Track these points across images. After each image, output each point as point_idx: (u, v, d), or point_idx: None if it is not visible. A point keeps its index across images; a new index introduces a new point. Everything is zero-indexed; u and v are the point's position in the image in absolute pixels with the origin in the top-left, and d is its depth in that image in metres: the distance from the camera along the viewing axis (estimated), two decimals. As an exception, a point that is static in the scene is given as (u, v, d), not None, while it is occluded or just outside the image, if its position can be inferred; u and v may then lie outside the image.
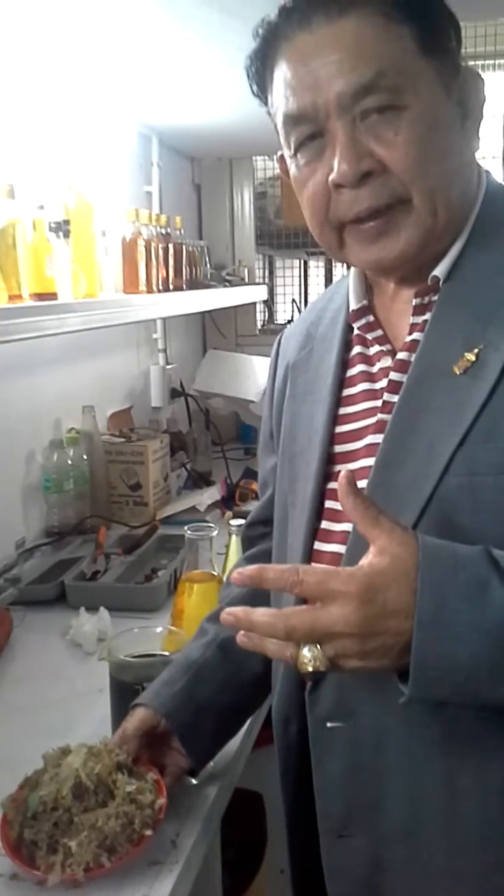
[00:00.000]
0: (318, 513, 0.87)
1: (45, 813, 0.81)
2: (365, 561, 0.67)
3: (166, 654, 1.07)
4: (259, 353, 2.51)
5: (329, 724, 0.79)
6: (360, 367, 0.87)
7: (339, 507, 0.83)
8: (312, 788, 0.84)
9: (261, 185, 3.14)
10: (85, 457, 1.88)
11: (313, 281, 4.23)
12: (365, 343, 0.87)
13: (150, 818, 0.83)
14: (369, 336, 0.86)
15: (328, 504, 0.86)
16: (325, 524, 0.86)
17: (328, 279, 3.54)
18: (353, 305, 0.88)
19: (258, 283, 2.90)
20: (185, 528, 1.23)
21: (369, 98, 0.74)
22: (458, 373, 0.76)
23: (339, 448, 0.87)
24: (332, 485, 0.86)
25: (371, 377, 0.86)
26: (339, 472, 0.83)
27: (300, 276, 4.09)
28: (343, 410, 0.87)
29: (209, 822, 0.93)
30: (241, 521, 1.38)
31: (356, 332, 0.88)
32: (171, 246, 2.09)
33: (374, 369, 0.86)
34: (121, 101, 2.04)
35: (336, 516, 0.85)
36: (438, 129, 0.76)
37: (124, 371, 2.31)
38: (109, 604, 1.42)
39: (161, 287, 2.01)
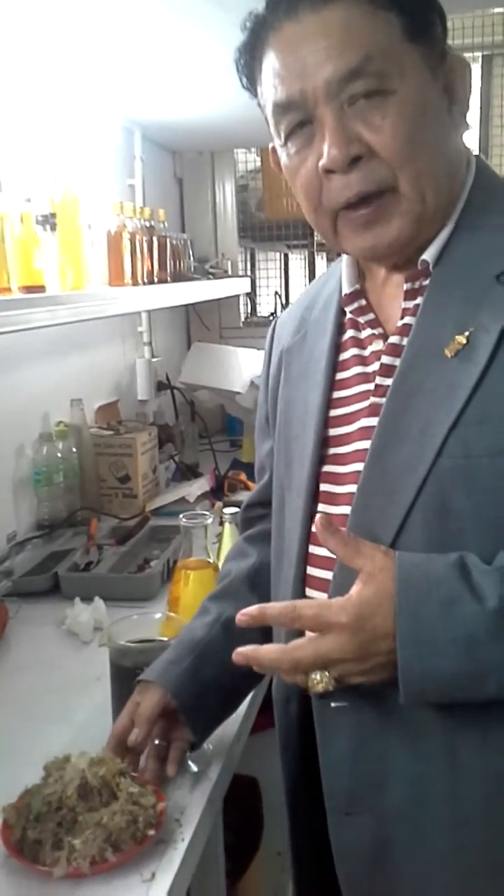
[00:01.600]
0: (315, 496, 0.88)
1: (49, 813, 0.82)
2: (354, 590, 0.74)
3: (164, 639, 1.08)
4: (243, 345, 2.53)
5: (333, 704, 0.81)
6: (352, 351, 0.89)
7: (335, 490, 0.86)
8: (313, 768, 0.85)
9: (242, 178, 3.15)
10: (74, 450, 1.88)
11: (295, 273, 4.24)
12: (357, 327, 0.89)
13: (152, 818, 0.84)
14: (361, 319, 0.88)
15: (323, 487, 0.88)
16: (321, 507, 0.87)
17: (310, 272, 3.55)
18: (346, 289, 0.89)
19: (241, 276, 2.91)
20: (181, 516, 1.24)
21: (357, 83, 0.75)
22: (449, 356, 0.77)
23: (332, 431, 0.88)
24: (326, 468, 0.87)
25: (363, 360, 0.87)
26: (333, 454, 0.87)
27: (281, 269, 4.11)
28: (336, 394, 0.88)
29: (212, 803, 0.95)
30: (235, 510, 1.40)
31: (349, 315, 0.89)
32: (155, 239, 2.10)
33: (367, 353, 0.87)
34: (104, 95, 2.04)
35: (332, 499, 0.86)
36: (425, 114, 0.78)
37: (111, 364, 2.32)
38: (104, 594, 1.43)
39: (146, 280, 2.01)
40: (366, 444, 0.83)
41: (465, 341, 0.77)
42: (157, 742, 0.95)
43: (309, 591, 0.87)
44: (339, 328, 0.90)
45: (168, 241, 2.21)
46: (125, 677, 1.04)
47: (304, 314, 0.97)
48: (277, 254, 4.08)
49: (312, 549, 0.87)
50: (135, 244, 1.96)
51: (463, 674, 0.71)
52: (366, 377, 0.86)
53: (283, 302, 3.40)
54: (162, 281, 2.14)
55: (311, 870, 0.95)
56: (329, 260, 4.94)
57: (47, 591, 1.50)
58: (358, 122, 0.76)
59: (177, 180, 2.90)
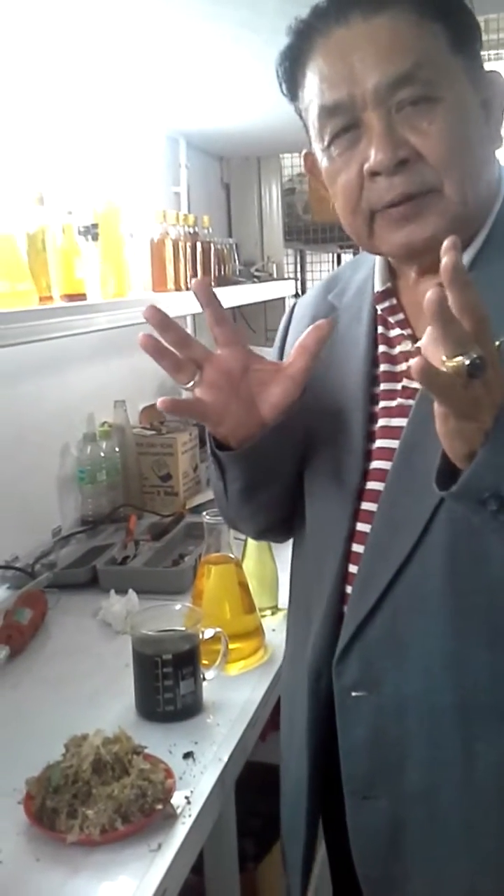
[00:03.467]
0: (364, 474, 0.87)
1: (66, 785, 0.89)
2: None
3: (184, 629, 1.15)
4: (288, 347, 2.57)
5: (354, 694, 0.85)
6: (381, 348, 0.90)
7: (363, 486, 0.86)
8: (333, 750, 0.89)
9: (289, 182, 3.20)
10: (117, 449, 1.96)
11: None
12: (386, 324, 0.90)
13: (161, 794, 0.91)
14: (391, 319, 0.89)
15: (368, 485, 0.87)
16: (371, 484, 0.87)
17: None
18: (378, 287, 0.91)
19: (287, 279, 2.96)
20: (204, 514, 1.30)
21: (405, 90, 0.78)
22: None
23: (372, 427, 0.88)
24: (374, 464, 0.87)
25: (392, 359, 0.89)
26: (380, 430, 0.86)
27: (332, 270, 4.13)
28: (374, 389, 0.89)
29: (222, 784, 1.01)
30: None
31: (379, 311, 0.91)
32: (198, 244, 2.17)
33: (395, 352, 0.89)
34: (148, 107, 2.12)
35: (378, 475, 0.86)
36: (469, 122, 0.80)
37: (155, 367, 2.35)
38: (138, 586, 1.50)
39: (189, 285, 2.08)
40: (389, 442, 0.85)
41: None
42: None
43: (347, 589, 0.88)
44: (376, 320, 0.91)
45: (212, 246, 2.28)
46: (146, 663, 1.11)
47: (334, 300, 0.98)
48: (328, 255, 4.11)
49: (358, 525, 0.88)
50: (177, 250, 2.03)
51: None
52: (393, 376, 0.88)
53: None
54: (205, 285, 2.20)
55: (332, 849, 1.00)
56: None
57: (86, 583, 1.58)
58: (405, 127, 0.78)
59: (223, 186, 2.98)
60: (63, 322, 1.45)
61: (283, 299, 3.00)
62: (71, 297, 1.57)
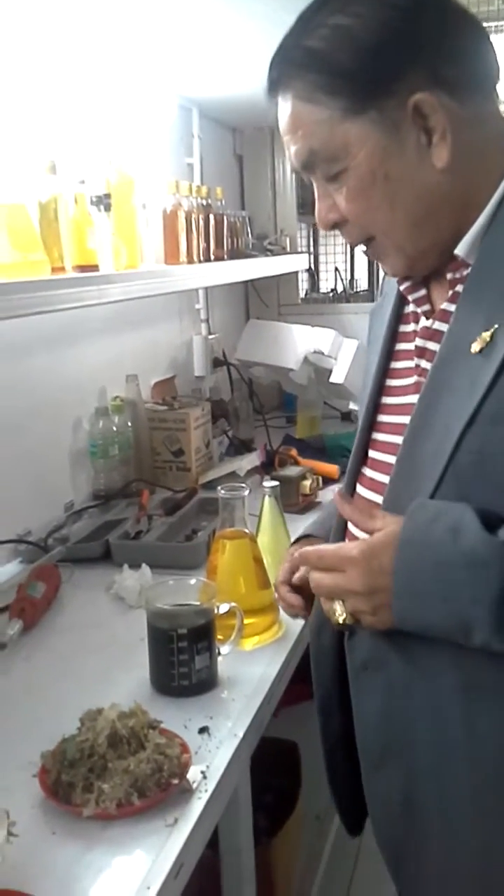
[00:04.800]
0: (363, 460, 0.95)
1: (81, 759, 0.88)
2: (368, 537, 0.82)
3: (199, 603, 1.14)
4: (302, 322, 2.55)
5: (365, 672, 0.87)
6: (412, 326, 0.92)
7: (379, 457, 0.92)
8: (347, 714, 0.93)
9: (303, 154, 3.15)
10: (129, 423, 1.95)
11: (360, 249, 4.21)
12: (414, 302, 0.92)
13: (177, 768, 0.90)
14: (410, 297, 0.91)
15: (371, 454, 0.93)
16: (366, 471, 0.94)
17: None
18: None
19: (300, 252, 2.92)
20: (219, 488, 1.29)
21: (315, 171, 0.85)
22: (474, 352, 0.78)
23: (385, 400, 0.93)
24: (375, 435, 0.93)
25: (406, 337, 0.92)
26: (380, 422, 0.93)
27: (344, 244, 4.08)
28: (393, 364, 0.93)
29: (238, 759, 1.00)
30: (274, 483, 1.44)
31: (401, 290, 0.93)
32: (211, 217, 2.13)
33: (409, 329, 0.92)
34: (160, 74, 2.08)
35: (376, 465, 0.92)
36: (384, 178, 0.81)
37: (167, 341, 2.38)
38: (151, 561, 1.49)
39: (202, 258, 2.05)
40: (405, 419, 0.86)
41: (489, 338, 0.78)
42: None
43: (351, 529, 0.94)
44: (403, 298, 0.94)
45: (225, 218, 2.24)
46: (161, 638, 1.10)
47: (389, 280, 1.01)
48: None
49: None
50: (190, 222, 1.99)
51: (453, 627, 0.76)
52: (408, 354, 0.91)
53: (344, 278, 3.40)
54: (218, 258, 2.17)
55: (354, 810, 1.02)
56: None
57: (99, 558, 1.58)
58: (333, 191, 0.85)
59: (237, 157, 2.93)
60: (76, 293, 1.43)
61: (295, 274, 2.97)
62: (83, 269, 1.54)
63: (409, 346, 0.91)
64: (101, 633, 1.31)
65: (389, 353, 0.94)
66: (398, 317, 0.94)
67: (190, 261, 1.98)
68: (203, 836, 0.90)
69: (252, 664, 1.19)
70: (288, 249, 2.81)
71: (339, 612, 0.83)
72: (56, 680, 1.17)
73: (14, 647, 1.25)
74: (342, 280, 3.31)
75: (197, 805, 0.89)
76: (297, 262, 2.78)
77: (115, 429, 1.89)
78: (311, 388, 2.45)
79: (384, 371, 0.93)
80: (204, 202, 2.13)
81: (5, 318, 1.24)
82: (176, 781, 0.89)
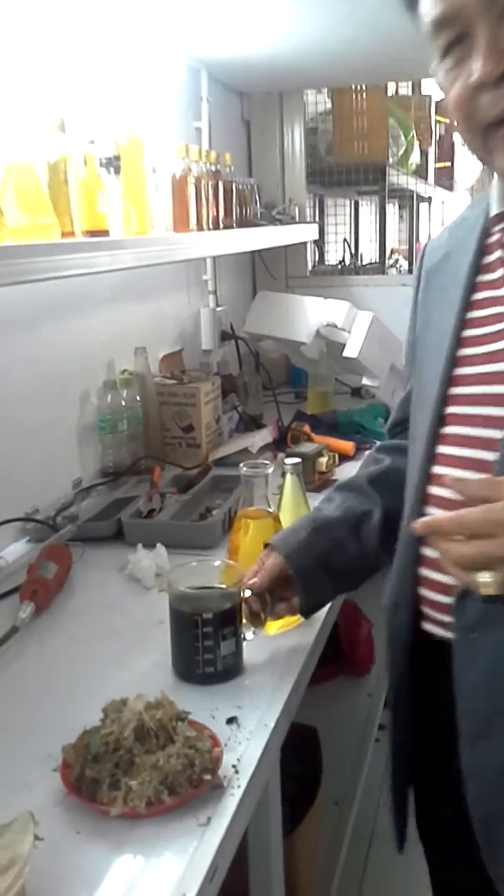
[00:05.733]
0: (441, 418, 0.90)
1: (106, 754, 0.82)
2: None
3: (223, 586, 1.07)
4: (310, 295, 2.47)
5: (473, 635, 0.83)
6: (499, 272, 0.88)
7: (460, 412, 0.88)
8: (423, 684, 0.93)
9: (312, 121, 3.05)
10: (138, 398, 1.88)
11: (365, 220, 4.12)
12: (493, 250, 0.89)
13: (209, 763, 0.84)
14: None
15: (449, 409, 0.89)
16: (447, 429, 0.89)
17: (380, 219, 3.44)
18: (494, 210, 0.89)
19: (309, 222, 2.83)
20: (241, 465, 1.22)
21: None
22: None
23: (464, 351, 0.89)
24: (454, 390, 0.89)
25: (492, 285, 0.88)
26: (460, 375, 0.89)
27: (350, 216, 4.00)
28: (472, 314, 0.89)
29: (269, 750, 0.94)
30: (297, 460, 1.37)
31: (494, 238, 0.89)
32: (220, 184, 2.05)
33: (496, 276, 0.88)
34: (169, 32, 1.98)
35: (458, 420, 0.88)
36: None
37: (175, 313, 2.30)
38: (165, 541, 1.43)
39: (211, 226, 1.97)
40: (490, 367, 0.85)
41: None
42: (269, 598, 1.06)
43: (431, 490, 0.90)
44: (483, 250, 0.91)
45: (234, 186, 2.16)
46: (185, 622, 1.04)
47: (450, 236, 0.99)
48: (347, 201, 3.97)
49: (434, 469, 0.90)
50: (200, 189, 1.91)
51: None
52: (496, 301, 0.87)
53: (352, 250, 3.31)
54: (227, 227, 2.09)
55: (435, 790, 1.00)
56: (401, 207, 4.80)
57: (111, 537, 1.51)
58: None
59: (244, 123, 2.83)
60: (88, 258, 1.35)
61: (304, 245, 2.89)
62: (93, 234, 1.46)
63: (496, 292, 0.88)
64: (117, 615, 1.25)
65: (467, 305, 0.90)
66: (477, 268, 0.90)
67: (200, 229, 1.90)
68: (237, 835, 0.84)
69: (278, 650, 1.13)
70: (297, 219, 2.72)
71: (490, 581, 0.71)
72: (73, 666, 1.11)
73: (27, 631, 1.19)
74: (350, 252, 3.23)
75: (230, 802, 0.84)
76: (306, 233, 2.70)
77: (123, 403, 1.82)
78: (323, 363, 2.38)
79: (461, 323, 0.90)
80: (213, 168, 2.05)
81: (15, 283, 1.17)
82: (208, 777, 0.83)
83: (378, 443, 1.21)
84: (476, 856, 0.88)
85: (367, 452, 1.21)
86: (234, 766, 0.88)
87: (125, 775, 0.82)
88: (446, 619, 0.88)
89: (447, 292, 0.93)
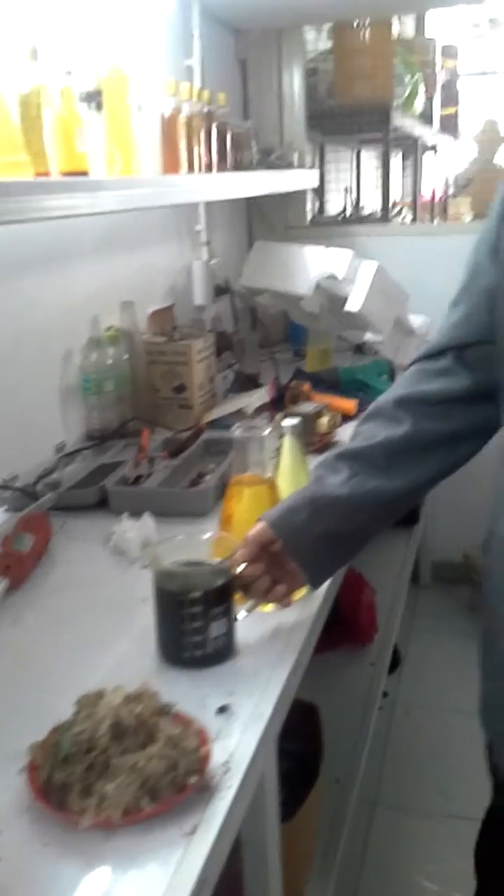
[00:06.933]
0: None
1: (78, 755, 0.73)
2: None
3: (214, 561, 0.97)
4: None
5: None
6: None
7: None
8: None
9: (312, 62, 2.88)
10: (125, 356, 1.76)
11: (367, 166, 3.95)
12: None
13: (195, 764, 0.75)
14: None
15: None
16: None
17: (384, 168, 3.27)
18: None
19: (309, 168, 2.68)
20: (234, 427, 1.11)
21: None
22: None
23: None
24: None
25: None
26: None
27: (353, 164, 3.82)
28: None
29: (265, 743, 0.85)
30: (294, 420, 1.26)
31: None
32: (214, 126, 1.91)
33: None
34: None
35: None
36: None
37: (165, 266, 2.17)
38: (154, 509, 1.33)
39: (204, 171, 1.84)
40: None
41: None
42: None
43: None
44: None
45: (229, 128, 2.02)
46: (171, 603, 0.94)
47: None
48: (347, 150, 3.80)
49: None
50: (191, 130, 1.77)
51: None
52: None
53: (354, 200, 3.16)
54: (222, 172, 1.95)
55: None
56: (404, 157, 4.61)
57: (95, 505, 1.41)
58: None
59: (239, 63, 2.65)
60: (64, 200, 1.23)
61: (304, 193, 2.74)
62: (72, 175, 1.34)
63: None
64: (99, 592, 1.16)
65: None
66: None
67: (191, 171, 1.77)
68: (227, 843, 0.75)
69: (274, 628, 1.03)
70: (296, 165, 2.57)
71: None
72: (48, 649, 1.01)
73: (-1, 610, 1.09)
74: (352, 201, 3.08)
75: (219, 807, 0.74)
76: (307, 179, 2.55)
77: (109, 362, 1.70)
78: (324, 318, 2.25)
79: None
80: (206, 109, 1.90)
81: (-21, 226, 1.05)
82: (194, 780, 0.74)
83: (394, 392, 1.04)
84: None
85: (376, 403, 1.05)
86: (224, 764, 0.79)
87: (99, 779, 0.73)
88: None
89: None
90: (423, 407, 0.99)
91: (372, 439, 1.00)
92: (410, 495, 1.02)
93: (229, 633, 0.96)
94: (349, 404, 1.85)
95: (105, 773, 0.73)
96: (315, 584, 1.02)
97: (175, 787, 0.73)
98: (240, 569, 0.96)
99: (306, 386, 1.92)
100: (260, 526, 0.99)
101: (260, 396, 1.92)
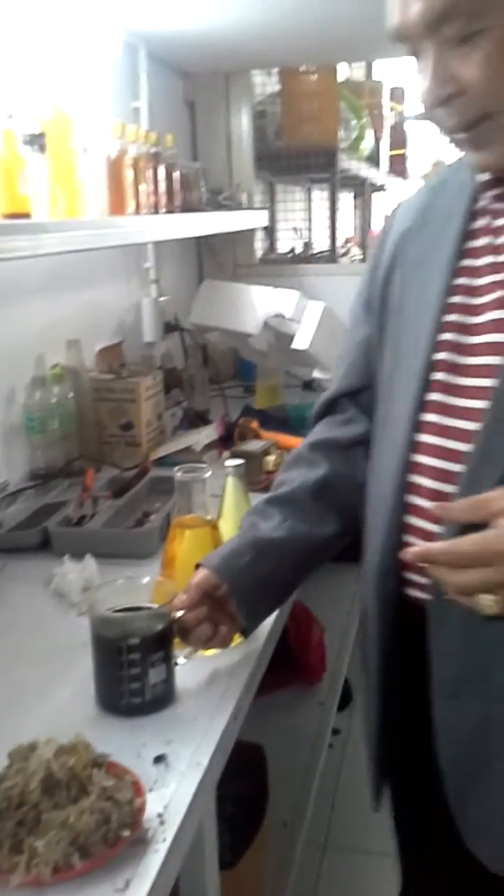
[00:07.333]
0: (427, 383, 0.86)
1: (9, 810, 0.71)
2: None
3: (153, 606, 0.97)
4: (259, 285, 2.36)
5: (447, 597, 0.79)
6: (485, 240, 0.87)
7: (457, 381, 0.85)
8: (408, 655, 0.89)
9: (260, 105, 2.94)
10: (71, 394, 1.76)
11: (317, 206, 4.02)
12: (494, 215, 0.87)
13: (128, 817, 0.73)
14: (498, 206, 0.86)
15: (436, 376, 0.86)
16: (433, 396, 0.86)
17: (331, 206, 3.34)
18: (483, 176, 0.88)
19: (258, 208, 2.72)
20: (175, 469, 1.12)
21: (448, 26, 0.75)
22: None
23: (453, 318, 0.86)
24: (439, 355, 0.86)
25: (496, 250, 0.86)
26: (455, 342, 0.86)
27: (305, 202, 3.89)
28: (463, 281, 0.87)
29: (202, 792, 0.84)
30: (238, 461, 1.27)
31: (481, 204, 0.88)
32: (161, 167, 1.93)
33: (500, 241, 0.85)
34: (102, 2, 1.85)
35: (451, 390, 0.85)
36: None
37: (113, 303, 2.17)
38: (97, 550, 1.32)
39: (152, 211, 1.86)
40: (498, 336, 0.82)
41: None
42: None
43: (413, 478, 0.87)
44: (470, 216, 0.89)
45: (176, 169, 2.04)
46: (108, 649, 0.93)
47: (429, 199, 0.96)
48: (297, 188, 3.87)
49: (420, 437, 0.86)
50: (138, 171, 1.79)
51: None
52: (497, 267, 0.85)
53: (305, 238, 3.21)
54: (170, 212, 1.97)
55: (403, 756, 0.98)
56: (356, 196, 4.71)
57: (36, 547, 1.39)
58: (456, 60, 0.76)
59: (187, 104, 2.70)
60: (5, 243, 1.23)
61: (253, 232, 2.78)
62: (14, 217, 1.34)
63: (478, 262, 0.86)
64: (40, 636, 1.14)
65: (454, 272, 0.88)
66: (464, 234, 0.88)
67: (138, 214, 1.79)
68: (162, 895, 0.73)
69: (215, 673, 1.03)
70: (245, 205, 2.61)
71: (492, 603, 0.72)
72: (-15, 696, 0.99)
73: None
74: (302, 239, 3.13)
75: (153, 860, 0.73)
76: (255, 219, 2.59)
77: (54, 400, 1.69)
78: (272, 355, 2.28)
79: (448, 290, 0.87)
80: (153, 150, 1.93)
81: None
82: (127, 833, 0.73)
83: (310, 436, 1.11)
84: (451, 849, 0.86)
85: (294, 449, 1.12)
86: (159, 816, 0.78)
87: (30, 835, 0.71)
88: (424, 580, 0.86)
89: (430, 256, 0.90)
90: (334, 450, 1.05)
91: (294, 482, 1.04)
92: (342, 534, 1.04)
93: (168, 680, 0.96)
94: (297, 441, 1.85)
95: (36, 829, 0.71)
96: (250, 629, 1.02)
97: (107, 841, 0.72)
98: (179, 614, 0.96)
99: (254, 423, 1.93)
100: (203, 573, 0.98)
101: (208, 434, 1.93)
